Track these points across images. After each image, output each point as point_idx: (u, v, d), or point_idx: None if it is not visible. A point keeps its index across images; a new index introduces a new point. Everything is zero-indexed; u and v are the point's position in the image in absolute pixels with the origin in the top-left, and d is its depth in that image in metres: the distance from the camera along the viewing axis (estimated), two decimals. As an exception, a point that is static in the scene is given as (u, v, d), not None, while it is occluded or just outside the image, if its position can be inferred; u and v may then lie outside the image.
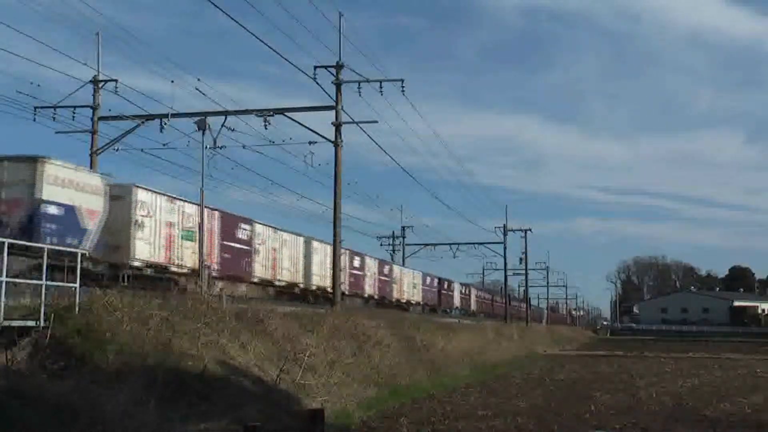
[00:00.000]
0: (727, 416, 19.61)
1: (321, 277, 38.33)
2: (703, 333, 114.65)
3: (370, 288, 47.00)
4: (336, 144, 29.86)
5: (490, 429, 17.05)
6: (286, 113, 30.06)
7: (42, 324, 12.86)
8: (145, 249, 24.33)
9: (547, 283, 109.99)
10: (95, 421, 11.02)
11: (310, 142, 30.92)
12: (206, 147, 26.68)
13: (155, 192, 25.22)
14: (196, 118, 27.18)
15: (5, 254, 12.50)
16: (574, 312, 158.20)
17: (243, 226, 31.10)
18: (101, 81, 30.91)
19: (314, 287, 37.96)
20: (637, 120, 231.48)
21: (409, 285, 56.22)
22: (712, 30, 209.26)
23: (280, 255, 34.65)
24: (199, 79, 29.56)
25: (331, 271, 34.90)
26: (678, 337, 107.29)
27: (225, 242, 29.36)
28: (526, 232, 76.27)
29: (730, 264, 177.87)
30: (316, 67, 29.31)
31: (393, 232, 68.92)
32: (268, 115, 29.74)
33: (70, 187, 21.33)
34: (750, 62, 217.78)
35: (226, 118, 29.74)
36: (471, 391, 25.39)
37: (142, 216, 24.25)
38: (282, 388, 16.73)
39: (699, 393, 25.62)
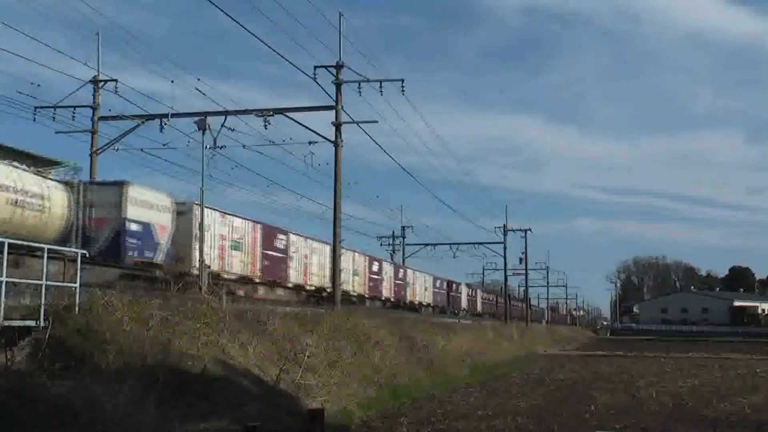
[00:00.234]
0: (727, 416, 19.62)
1: (347, 282, 41.05)
2: (703, 333, 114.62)
3: (387, 291, 49.88)
4: (336, 144, 29.85)
5: (490, 429, 17.06)
6: (286, 113, 30.04)
7: (42, 324, 12.86)
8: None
9: (547, 283, 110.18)
10: (95, 421, 11.02)
11: (310, 142, 30.91)
12: (206, 147, 26.76)
13: (211, 208, 28.01)
14: (196, 118, 27.19)
15: (5, 254, 12.50)
16: (574, 312, 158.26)
17: (280, 236, 34.18)
18: (101, 81, 30.90)
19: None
20: (637, 120, 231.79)
21: (421, 288, 58.95)
22: (712, 30, 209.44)
23: (310, 261, 37.68)
24: (199, 79, 29.60)
25: (354, 276, 40.69)
26: (678, 337, 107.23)
27: (265, 251, 32.36)
28: (526, 232, 76.35)
29: (730, 264, 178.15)
30: (316, 67, 29.30)
31: (393, 232, 69.00)
32: (268, 115, 29.72)
33: (146, 206, 24.35)
34: (750, 62, 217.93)
35: (226, 118, 29.73)
36: (471, 391, 25.40)
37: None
38: (282, 388, 16.72)
39: (699, 393, 25.63)
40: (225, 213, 29.49)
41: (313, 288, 37.59)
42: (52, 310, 13.23)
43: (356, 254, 45.00)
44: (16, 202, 19.66)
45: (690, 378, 32.06)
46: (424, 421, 17.88)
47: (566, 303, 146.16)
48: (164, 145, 30.74)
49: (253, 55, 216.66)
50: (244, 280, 30.65)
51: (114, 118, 31.29)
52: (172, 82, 41.61)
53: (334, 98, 29.92)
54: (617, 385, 28.12)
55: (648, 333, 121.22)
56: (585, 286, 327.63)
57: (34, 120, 29.75)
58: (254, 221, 31.81)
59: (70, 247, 20.64)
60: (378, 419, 17.97)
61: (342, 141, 29.94)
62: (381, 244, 68.57)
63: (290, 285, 35.08)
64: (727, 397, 24.21)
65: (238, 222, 30.32)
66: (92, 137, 31.03)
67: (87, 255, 15.61)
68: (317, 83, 29.27)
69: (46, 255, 13.86)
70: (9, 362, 12.04)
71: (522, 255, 78.13)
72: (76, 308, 13.89)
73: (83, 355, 12.98)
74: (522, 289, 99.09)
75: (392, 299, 50.81)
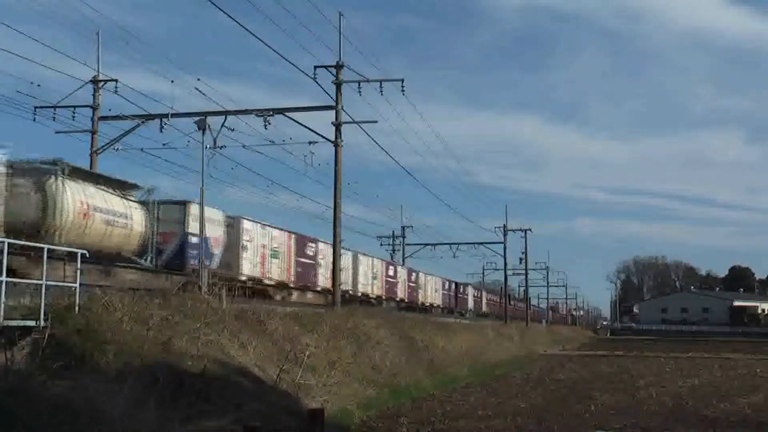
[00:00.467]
0: (727, 416, 19.62)
1: (364, 285, 45.12)
2: (703, 333, 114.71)
3: (401, 293, 53.20)
4: (336, 144, 29.83)
5: (490, 429, 17.06)
6: (286, 113, 30.00)
7: (42, 324, 12.85)
8: (247, 266, 30.70)
9: (547, 283, 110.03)
10: (95, 421, 11.02)
11: (310, 142, 30.85)
12: (206, 147, 26.70)
13: (254, 221, 31.60)
14: (196, 118, 27.14)
15: (5, 254, 12.51)
16: (574, 312, 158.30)
17: (310, 244, 37.35)
18: (101, 81, 30.86)
19: (359, 294, 44.06)
20: (637, 120, 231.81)
21: (431, 290, 61.73)
22: (712, 30, 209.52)
23: None
24: (199, 79, 29.52)
25: (373, 280, 44.31)
26: (678, 337, 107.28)
27: (298, 258, 35.28)
28: (526, 232, 76.23)
29: (730, 264, 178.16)
30: (316, 67, 29.25)
31: (393, 232, 68.95)
32: (268, 115, 29.68)
33: (205, 222, 26.83)
34: (750, 62, 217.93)
35: (226, 118, 29.68)
36: (471, 391, 25.40)
37: (246, 241, 30.64)
38: (282, 388, 16.72)
39: (699, 393, 25.63)
40: (265, 225, 32.59)
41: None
42: (52, 310, 13.22)
43: (375, 260, 48.52)
44: (108, 222, 22.73)
45: (690, 378, 32.06)
46: (424, 421, 17.88)
47: (566, 303, 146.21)
48: (164, 145, 30.72)
49: (253, 55, 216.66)
50: (281, 285, 33.90)
51: (114, 118, 31.27)
52: (172, 82, 41.46)
53: (334, 98, 29.90)
54: (617, 385, 28.12)
55: (648, 333, 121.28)
56: (585, 287, 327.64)
57: (34, 120, 29.75)
58: (289, 231, 34.88)
59: (146, 258, 24.69)
60: (378, 419, 17.98)
61: (342, 141, 29.93)
62: (381, 244, 68.64)
63: (319, 289, 37.66)
64: (727, 397, 24.21)
65: (276, 233, 33.47)
66: (92, 137, 31.01)
67: (87, 254, 15.68)
68: (317, 83, 29.26)
69: (45, 255, 13.88)
70: (9, 362, 12.03)
71: (522, 255, 78.12)
72: (76, 308, 13.89)
73: (83, 355, 12.97)
74: (522, 289, 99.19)
75: (406, 300, 53.91)
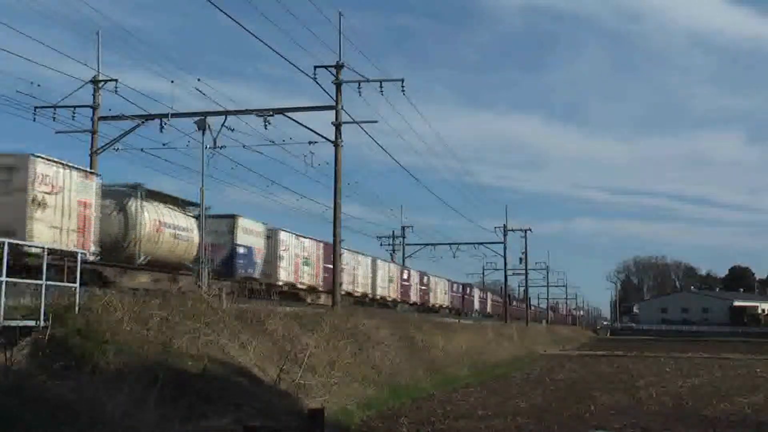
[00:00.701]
0: (727, 416, 19.62)
1: (383, 288, 49.28)
2: (703, 333, 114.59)
3: (414, 296, 56.75)
4: (336, 144, 29.82)
5: (490, 429, 17.06)
6: (286, 113, 29.98)
7: (42, 324, 12.85)
8: (284, 273, 34.71)
9: (547, 283, 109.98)
10: (95, 421, 11.02)
11: (310, 142, 30.83)
12: (206, 147, 26.75)
13: (289, 232, 35.42)
14: (196, 118, 27.14)
15: (5, 254, 12.50)
16: (574, 312, 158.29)
17: None
18: (101, 81, 30.82)
19: (378, 296, 48.01)
20: (638, 120, 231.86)
21: (440, 292, 64.85)
22: (713, 30, 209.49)
23: (357, 272, 44.81)
24: (199, 79, 29.50)
25: (389, 284, 48.75)
26: (678, 337, 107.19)
27: (325, 265, 37.88)
28: (526, 232, 76.23)
29: (730, 264, 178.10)
30: (316, 67, 29.24)
31: (393, 232, 68.98)
32: (268, 115, 29.65)
33: (249, 234, 31.54)
34: (750, 62, 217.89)
35: (226, 118, 29.65)
36: (471, 391, 25.39)
37: (282, 250, 34.52)
38: (282, 388, 16.72)
39: (699, 393, 25.62)
40: (299, 236, 36.32)
41: (359, 293, 44.68)
42: (52, 310, 13.22)
43: (391, 265, 53.56)
44: (175, 236, 26.37)
45: (690, 378, 32.05)
46: (424, 420, 17.88)
47: (566, 303, 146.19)
48: (164, 145, 30.69)
49: (253, 55, 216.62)
50: (311, 288, 37.58)
51: (114, 118, 31.24)
52: (172, 82, 41.72)
53: (334, 98, 29.89)
54: (617, 385, 28.11)
55: (648, 333, 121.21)
56: (585, 287, 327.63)
57: (34, 120, 29.72)
58: (318, 241, 38.05)
59: (204, 267, 26.67)
60: (378, 419, 17.97)
61: (342, 141, 29.92)
62: (381, 244, 68.68)
63: (343, 292, 39.77)
64: (727, 397, 24.20)
65: (307, 242, 37.22)
66: (92, 137, 30.99)
67: (86, 254, 15.85)
68: (317, 83, 29.25)
69: (45, 255, 13.89)
70: (9, 362, 12.03)
71: (522, 255, 78.10)
72: (76, 308, 13.88)
73: (83, 355, 12.96)
74: (522, 289, 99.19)
75: (418, 302, 57.30)
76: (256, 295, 29.26)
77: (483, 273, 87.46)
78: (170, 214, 26.37)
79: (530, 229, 76.50)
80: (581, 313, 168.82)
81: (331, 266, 37.68)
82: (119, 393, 12.03)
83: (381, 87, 30.33)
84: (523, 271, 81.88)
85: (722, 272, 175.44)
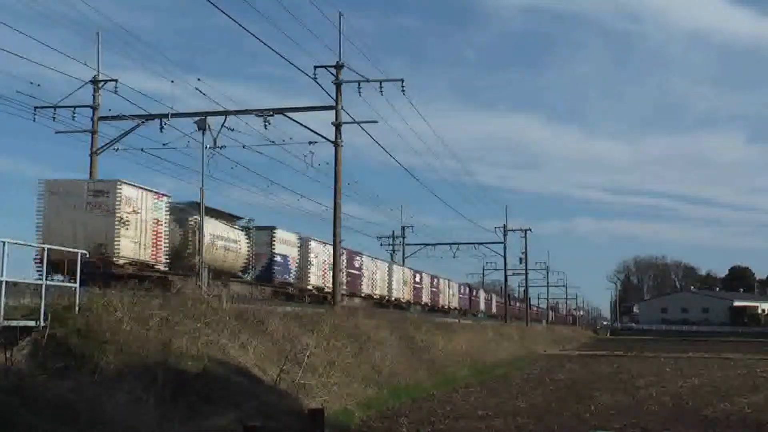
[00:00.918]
0: (727, 416, 19.61)
1: (398, 291, 52.14)
2: (703, 333, 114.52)
3: (425, 297, 59.51)
4: (336, 144, 29.82)
5: (490, 429, 17.06)
6: (286, 113, 29.99)
7: (42, 324, 12.85)
8: (314, 278, 37.96)
9: (547, 283, 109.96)
10: (95, 421, 11.02)
11: (310, 142, 30.84)
12: (206, 147, 26.85)
13: (318, 241, 38.37)
14: (196, 118, 27.17)
15: (5, 254, 12.50)
16: (574, 312, 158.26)
17: (356, 258, 44.20)
18: (101, 81, 30.82)
19: (393, 299, 50.72)
20: (638, 120, 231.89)
21: (449, 294, 67.45)
22: (713, 30, 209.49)
23: (375, 277, 47.82)
24: (199, 79, 29.48)
25: (404, 286, 52.39)
26: (678, 337, 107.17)
27: (348, 270, 40.75)
28: (526, 232, 76.30)
29: (730, 264, 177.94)
30: (316, 67, 29.23)
31: (393, 232, 69.06)
32: (268, 115, 29.66)
33: (285, 243, 35.21)
34: (750, 62, 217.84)
35: (226, 118, 29.66)
36: (471, 391, 25.39)
37: (312, 257, 37.81)
38: (282, 388, 16.72)
39: (699, 393, 25.62)
40: (326, 243, 37.91)
41: (377, 296, 47.50)
42: (52, 310, 13.22)
43: (405, 269, 56.73)
44: (226, 248, 29.57)
45: (690, 378, 32.03)
46: (424, 421, 17.88)
47: (566, 303, 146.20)
48: (164, 145, 30.71)
49: (253, 55, 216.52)
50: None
51: (114, 118, 31.24)
52: (172, 82, 41.64)
53: (334, 98, 29.89)
54: (617, 385, 28.11)
55: (648, 333, 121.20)
56: (585, 287, 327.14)
57: (34, 120, 29.71)
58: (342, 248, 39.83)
59: (248, 274, 31.11)
60: (378, 419, 17.98)
61: (342, 141, 29.91)
62: (381, 244, 68.74)
63: (363, 295, 44.42)
64: (727, 397, 24.19)
65: (331, 249, 38.21)
66: (92, 137, 30.98)
67: (87, 254, 15.88)
68: (317, 83, 29.24)
69: (46, 255, 13.90)
70: (9, 362, 12.03)
71: (522, 255, 78.12)
72: (76, 308, 13.88)
73: (83, 355, 12.96)
74: (522, 289, 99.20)
75: (429, 304, 59.85)
76: (291, 298, 33.25)
77: (483, 273, 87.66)
78: (222, 227, 29.74)
79: (530, 229, 76.73)
80: (581, 313, 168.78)
81: (352, 271, 42.05)
82: (119, 393, 12.03)
83: (381, 87, 30.36)
84: (523, 271, 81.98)
85: (722, 272, 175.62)
